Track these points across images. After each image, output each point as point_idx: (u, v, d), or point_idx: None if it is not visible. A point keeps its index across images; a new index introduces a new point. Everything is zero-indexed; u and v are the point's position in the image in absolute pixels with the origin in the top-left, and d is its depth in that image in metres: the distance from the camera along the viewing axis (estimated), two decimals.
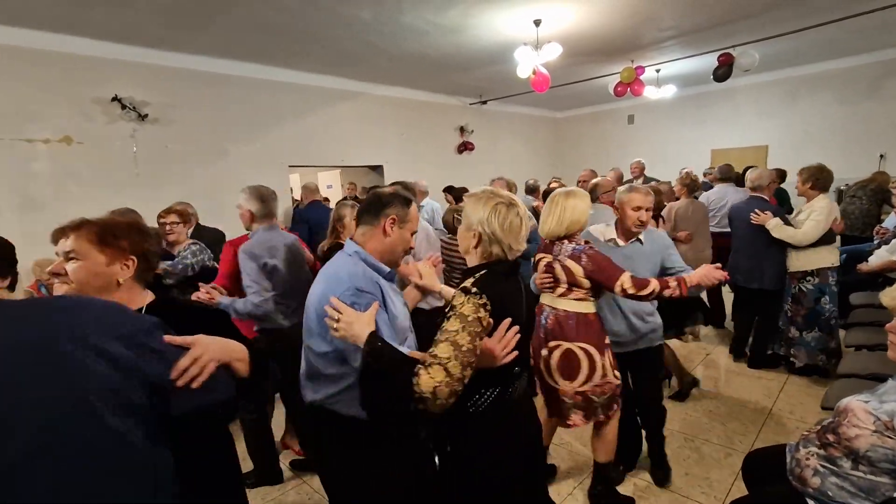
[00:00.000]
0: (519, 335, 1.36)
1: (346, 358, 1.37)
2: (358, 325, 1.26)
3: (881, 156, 6.68)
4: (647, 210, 2.29)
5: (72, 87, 4.40)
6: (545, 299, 2.21)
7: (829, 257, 3.55)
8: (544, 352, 2.12)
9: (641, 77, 5.96)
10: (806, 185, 3.57)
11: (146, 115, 4.79)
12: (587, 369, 2.05)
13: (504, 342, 1.32)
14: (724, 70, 5.59)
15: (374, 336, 1.26)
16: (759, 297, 3.78)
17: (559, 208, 2.10)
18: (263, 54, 5.18)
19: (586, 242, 2.13)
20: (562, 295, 2.11)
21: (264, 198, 2.49)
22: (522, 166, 9.45)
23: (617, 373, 2.13)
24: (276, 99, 5.86)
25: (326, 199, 6.77)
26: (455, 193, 5.45)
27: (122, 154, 4.74)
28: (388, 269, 1.50)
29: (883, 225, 4.83)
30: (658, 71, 6.53)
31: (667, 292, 1.98)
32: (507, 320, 1.34)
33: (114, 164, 4.68)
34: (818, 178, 3.52)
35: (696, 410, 3.20)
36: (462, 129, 8.40)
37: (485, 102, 8.38)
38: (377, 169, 7.35)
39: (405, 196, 1.53)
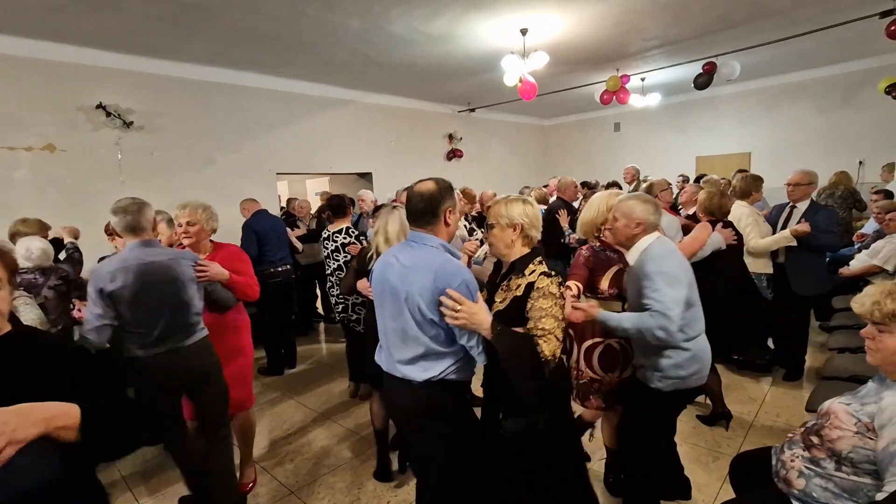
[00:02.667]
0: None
1: (454, 338, 1.58)
2: (481, 315, 1.49)
3: (860, 162, 6.85)
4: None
5: (56, 95, 4.35)
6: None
7: (761, 265, 3.62)
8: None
9: (627, 85, 6.06)
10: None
11: (131, 123, 4.75)
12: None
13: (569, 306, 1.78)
14: (704, 79, 5.70)
15: (495, 321, 1.51)
16: None
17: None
18: (251, 62, 5.17)
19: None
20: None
21: (124, 210, 2.05)
22: (511, 173, 9.53)
23: (600, 369, 2.29)
24: (264, 106, 5.85)
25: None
26: None
27: (107, 162, 4.68)
28: (459, 253, 1.81)
29: (862, 230, 4.94)
30: (643, 79, 6.64)
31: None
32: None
33: (98, 172, 4.62)
34: (745, 189, 3.68)
35: (684, 415, 3.22)
36: (451, 137, 8.44)
37: (473, 110, 8.44)
38: (366, 176, 7.35)
39: (449, 185, 1.71)
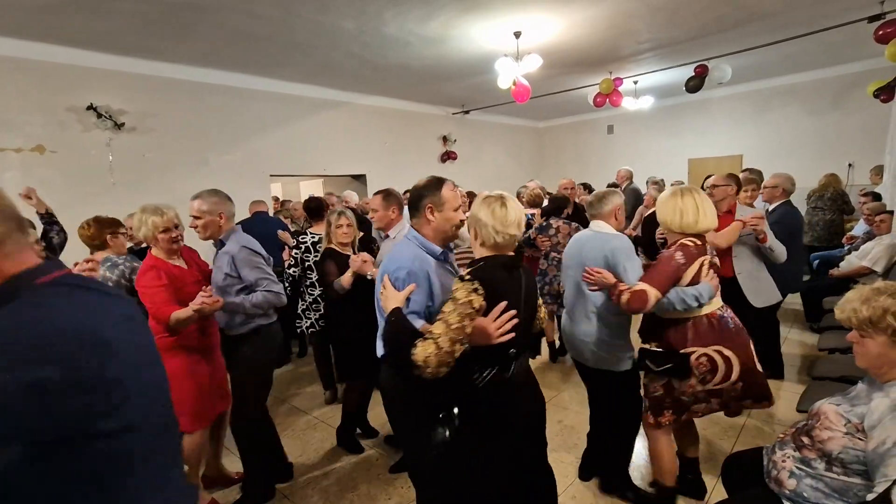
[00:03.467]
0: (515, 320, 1.51)
1: None
2: (391, 300, 1.53)
3: (849, 164, 6.93)
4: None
5: (46, 96, 4.31)
6: (713, 305, 2.04)
7: None
8: (752, 345, 2.05)
9: (620, 88, 6.10)
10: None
11: (123, 124, 4.71)
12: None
13: (498, 322, 1.48)
14: (695, 81, 5.75)
15: (396, 311, 1.51)
16: None
17: (703, 204, 2.03)
18: (244, 63, 5.15)
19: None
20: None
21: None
22: (505, 175, 9.55)
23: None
24: (258, 108, 5.82)
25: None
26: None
27: (98, 163, 4.64)
28: (440, 249, 1.73)
29: (853, 232, 5.01)
30: (636, 82, 6.69)
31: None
32: (503, 304, 1.49)
33: (89, 174, 4.58)
34: None
35: None
36: (445, 139, 8.45)
37: (467, 112, 8.46)
38: (360, 178, 7.34)
39: (434, 183, 1.73)
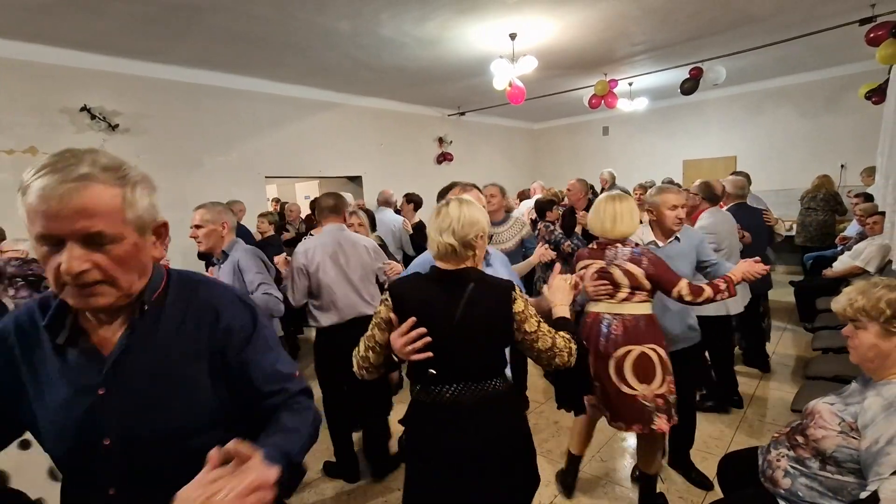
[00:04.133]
0: (429, 340, 1.38)
1: None
2: None
3: (842, 166, 6.99)
4: (682, 207, 2.33)
5: (39, 97, 4.28)
6: (600, 307, 2.13)
7: None
8: (613, 360, 2.04)
9: (615, 90, 6.13)
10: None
11: (117, 125, 4.69)
12: (661, 370, 2.03)
13: (406, 338, 1.38)
14: (690, 83, 5.79)
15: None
16: None
17: (614, 211, 2.10)
18: (240, 64, 5.14)
19: (637, 245, 2.17)
20: (625, 300, 2.08)
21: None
22: (500, 177, 9.51)
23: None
24: (253, 109, 5.81)
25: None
26: (415, 200, 5.49)
27: None
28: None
29: (845, 233, 5.05)
30: (631, 84, 6.72)
31: (719, 297, 2.04)
32: (412, 320, 1.39)
33: None
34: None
35: None
36: (441, 140, 8.46)
37: (463, 114, 8.46)
38: (356, 180, 7.33)
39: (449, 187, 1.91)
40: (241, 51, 4.67)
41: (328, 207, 2.72)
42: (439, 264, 1.48)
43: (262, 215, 4.84)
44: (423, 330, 1.39)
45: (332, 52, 4.87)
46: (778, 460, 1.55)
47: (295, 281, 2.56)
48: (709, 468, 2.57)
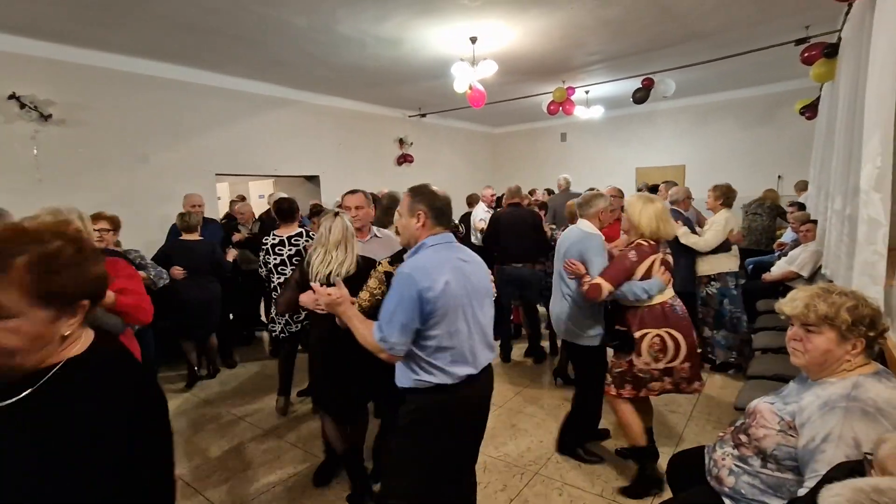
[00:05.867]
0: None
1: None
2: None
3: (779, 177, 7.47)
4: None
5: None
6: (664, 295, 2.40)
7: (727, 263, 3.94)
8: (692, 333, 2.40)
9: (572, 97, 6.28)
10: (718, 202, 3.97)
11: (50, 116, 4.35)
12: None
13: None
14: (642, 93, 6.02)
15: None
16: None
17: (661, 212, 2.39)
18: (189, 56, 4.89)
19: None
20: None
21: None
22: (461, 180, 9.59)
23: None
24: (203, 104, 5.54)
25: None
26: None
27: (21, 157, 4.26)
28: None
29: (782, 239, 5.38)
30: (587, 92, 6.91)
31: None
32: None
33: (11, 169, 4.19)
34: (727, 196, 4.00)
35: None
36: (401, 142, 8.39)
37: (424, 115, 8.44)
38: (313, 179, 7.15)
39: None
40: (189, 41, 4.44)
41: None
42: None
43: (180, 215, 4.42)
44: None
45: (288, 48, 4.71)
46: (723, 459, 1.59)
47: None
48: (660, 466, 2.64)
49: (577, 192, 6.61)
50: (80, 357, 0.87)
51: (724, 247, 3.88)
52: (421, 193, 1.74)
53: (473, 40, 4.56)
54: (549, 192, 7.05)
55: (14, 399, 0.79)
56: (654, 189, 5.74)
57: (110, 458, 0.81)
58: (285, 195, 4.47)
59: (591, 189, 5.91)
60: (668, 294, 2.40)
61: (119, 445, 0.82)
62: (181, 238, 3.97)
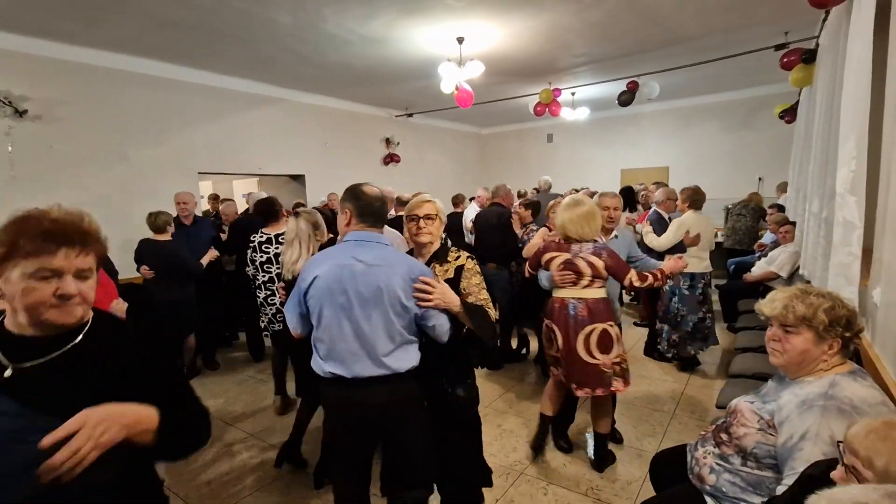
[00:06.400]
0: None
1: (417, 326, 1.72)
2: (450, 294, 1.71)
3: (759, 178, 7.63)
4: (615, 209, 2.82)
5: None
6: (565, 293, 2.55)
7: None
8: (581, 336, 2.47)
9: (558, 99, 6.32)
10: (685, 204, 4.10)
11: (26, 111, 4.23)
12: (616, 343, 2.51)
13: None
14: (627, 96, 6.09)
15: (462, 300, 1.78)
16: None
17: (582, 216, 2.49)
18: (171, 52, 4.80)
19: (594, 241, 2.57)
20: (587, 286, 2.50)
21: None
22: (448, 180, 9.59)
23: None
24: (186, 101, 5.45)
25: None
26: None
27: None
28: None
29: (762, 241, 5.49)
30: (573, 94, 6.97)
31: (657, 284, 2.51)
32: None
33: None
34: (693, 199, 4.05)
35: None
36: (388, 141, 8.36)
37: (411, 115, 8.42)
38: (298, 178, 7.08)
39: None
40: (172, 38, 4.36)
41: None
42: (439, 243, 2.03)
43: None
44: None
45: (273, 46, 4.66)
46: (704, 457, 1.61)
47: None
48: (642, 466, 2.68)
49: (556, 192, 6.68)
50: (99, 311, 1.10)
51: (679, 248, 3.96)
52: (350, 192, 1.78)
53: (460, 40, 4.56)
54: (537, 192, 7.08)
55: (70, 345, 0.99)
56: (626, 191, 5.76)
57: (166, 367, 1.12)
58: (265, 195, 4.43)
59: (579, 189, 5.96)
60: (569, 294, 2.53)
61: (166, 359, 1.13)
62: (148, 238, 3.87)
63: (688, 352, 4.05)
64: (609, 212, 2.82)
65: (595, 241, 2.53)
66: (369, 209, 1.71)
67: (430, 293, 1.64)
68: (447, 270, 1.90)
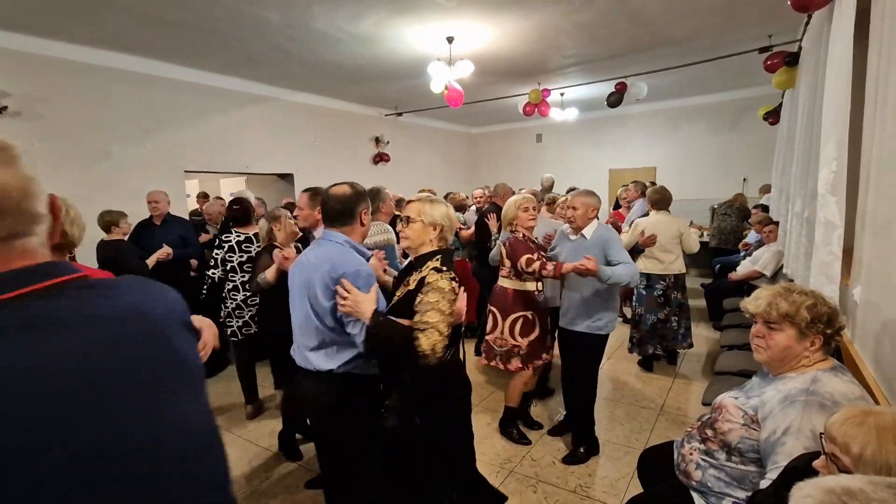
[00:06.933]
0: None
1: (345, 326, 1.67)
2: (364, 304, 1.59)
3: (744, 179, 7.76)
4: (573, 209, 2.80)
5: None
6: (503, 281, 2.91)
7: (639, 264, 4.03)
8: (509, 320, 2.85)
9: (547, 99, 6.35)
10: (649, 204, 4.13)
11: (5, 108, 4.14)
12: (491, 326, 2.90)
13: (464, 303, 1.73)
14: (615, 97, 6.14)
15: (377, 312, 1.60)
16: None
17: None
18: (156, 49, 4.73)
19: (513, 233, 2.83)
20: (504, 276, 2.90)
21: None
22: (438, 179, 9.59)
23: (520, 336, 2.81)
24: (171, 98, 5.37)
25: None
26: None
27: None
28: (369, 252, 1.85)
29: (746, 240, 5.58)
30: (562, 94, 7.01)
31: (545, 273, 2.60)
32: (463, 288, 1.74)
33: None
34: (656, 200, 4.06)
35: (599, 414, 3.40)
36: (378, 140, 8.33)
37: (400, 114, 8.40)
38: (286, 177, 7.02)
39: (364, 190, 1.85)
40: (158, 34, 4.29)
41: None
42: (442, 246, 1.84)
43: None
44: (466, 294, 1.76)
45: (261, 44, 4.62)
46: (691, 454, 1.64)
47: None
48: (631, 462, 2.71)
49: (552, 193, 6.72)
50: None
51: (636, 249, 3.99)
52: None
53: (450, 40, 4.56)
54: (533, 193, 7.08)
55: None
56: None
57: None
58: (245, 195, 4.37)
59: (573, 188, 5.98)
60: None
61: None
62: (102, 239, 3.66)
63: (646, 350, 4.08)
64: (566, 211, 2.84)
65: (513, 232, 2.84)
66: (330, 211, 1.78)
67: (344, 297, 1.60)
68: (409, 282, 1.73)
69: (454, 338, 1.75)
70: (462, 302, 1.72)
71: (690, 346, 4.13)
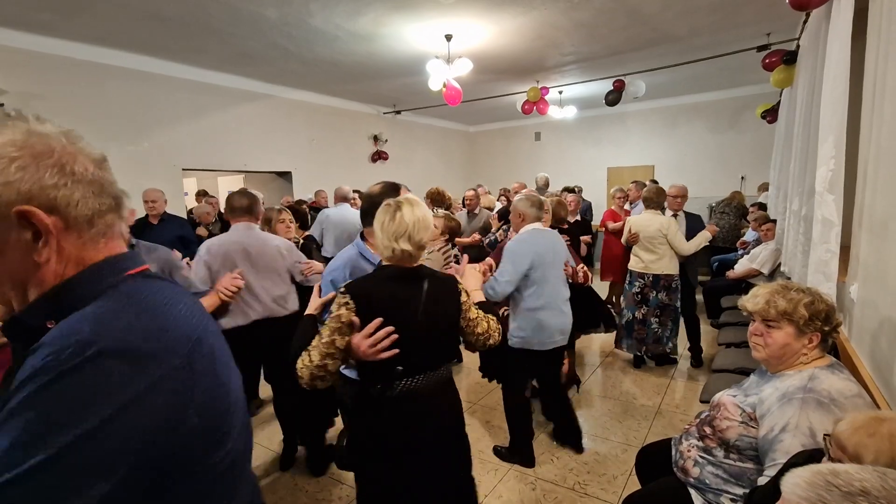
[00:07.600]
0: (396, 336, 1.40)
1: None
2: (311, 305, 1.59)
3: (742, 177, 7.77)
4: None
5: None
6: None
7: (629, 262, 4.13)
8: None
9: (546, 97, 6.35)
10: (642, 204, 4.09)
11: (1, 105, 4.11)
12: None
13: (373, 339, 1.38)
14: (614, 95, 6.14)
15: (305, 318, 1.56)
16: None
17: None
18: (153, 46, 4.71)
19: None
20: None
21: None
22: (437, 177, 9.57)
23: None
24: (169, 96, 5.35)
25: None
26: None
27: None
28: (379, 259, 1.60)
29: (744, 238, 5.59)
30: (561, 92, 7.00)
31: (487, 273, 2.53)
32: (378, 320, 1.39)
33: None
34: (649, 199, 3.96)
35: (597, 411, 3.42)
36: (376, 138, 8.32)
37: (399, 112, 8.39)
38: (285, 175, 7.01)
39: (392, 188, 1.76)
40: (154, 31, 4.28)
41: (241, 207, 2.59)
42: (389, 263, 1.50)
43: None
44: (391, 329, 1.39)
45: (258, 41, 4.60)
46: (689, 451, 1.65)
47: (196, 272, 2.47)
48: (629, 459, 2.72)
49: (550, 191, 6.73)
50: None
51: (627, 247, 4.08)
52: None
53: (449, 38, 4.55)
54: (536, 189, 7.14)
55: None
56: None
57: None
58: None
59: (567, 188, 6.00)
60: None
61: None
62: None
63: (621, 345, 4.10)
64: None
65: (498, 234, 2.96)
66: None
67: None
68: None
69: (386, 373, 1.44)
70: (358, 338, 1.38)
71: (672, 350, 4.02)
